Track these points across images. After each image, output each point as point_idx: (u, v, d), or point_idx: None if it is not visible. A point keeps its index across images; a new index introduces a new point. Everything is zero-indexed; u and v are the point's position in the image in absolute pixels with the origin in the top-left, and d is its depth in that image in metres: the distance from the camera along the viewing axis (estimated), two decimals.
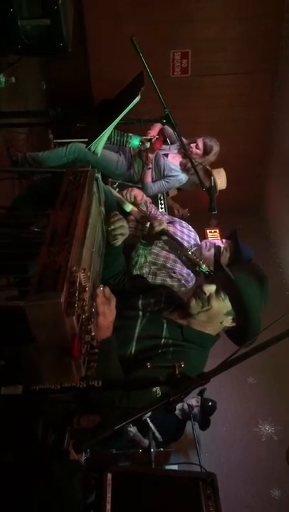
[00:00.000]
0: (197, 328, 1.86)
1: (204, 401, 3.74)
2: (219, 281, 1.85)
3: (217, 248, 2.68)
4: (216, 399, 3.82)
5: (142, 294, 2.03)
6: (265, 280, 1.85)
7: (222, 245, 2.75)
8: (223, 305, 1.81)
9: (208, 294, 1.81)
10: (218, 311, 1.82)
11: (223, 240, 2.85)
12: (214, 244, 2.77)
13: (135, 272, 2.54)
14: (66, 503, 1.38)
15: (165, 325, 1.85)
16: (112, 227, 1.83)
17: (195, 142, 3.55)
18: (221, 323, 1.85)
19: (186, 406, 3.75)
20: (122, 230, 1.86)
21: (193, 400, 3.78)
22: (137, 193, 2.84)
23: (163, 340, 1.79)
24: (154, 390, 1.52)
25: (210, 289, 1.82)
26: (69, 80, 5.04)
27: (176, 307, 1.98)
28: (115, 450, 3.27)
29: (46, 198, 2.19)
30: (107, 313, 1.60)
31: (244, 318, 1.79)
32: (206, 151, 3.54)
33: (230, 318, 1.84)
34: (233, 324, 1.85)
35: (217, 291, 1.81)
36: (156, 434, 3.35)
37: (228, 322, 1.85)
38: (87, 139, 2.31)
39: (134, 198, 2.79)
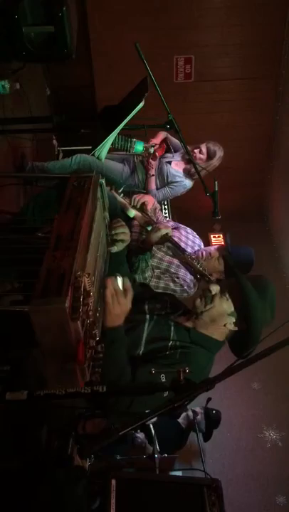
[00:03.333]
0: (203, 332, 1.88)
1: (207, 410, 3.73)
2: (225, 284, 1.91)
3: (223, 254, 2.69)
4: (221, 405, 3.80)
5: (148, 299, 2.05)
6: (271, 290, 1.90)
7: (213, 251, 2.77)
8: (226, 305, 1.84)
9: (213, 292, 1.86)
10: (221, 311, 1.85)
11: (215, 246, 2.87)
12: (210, 252, 2.77)
13: (137, 277, 2.53)
14: (70, 510, 1.37)
15: (172, 327, 1.88)
16: (113, 232, 1.85)
17: (198, 148, 3.57)
18: (224, 325, 1.86)
19: (190, 413, 3.73)
20: (124, 236, 1.87)
21: (197, 408, 3.77)
22: (148, 199, 2.83)
23: (171, 342, 1.82)
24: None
25: (215, 288, 1.87)
26: (73, 86, 5.06)
27: (181, 312, 2.01)
28: (119, 456, 3.25)
29: (54, 205, 2.22)
30: (122, 303, 1.64)
31: (247, 319, 1.80)
32: (210, 156, 3.56)
33: (233, 319, 1.85)
34: (236, 328, 1.86)
35: (222, 291, 1.86)
36: (156, 444, 3.33)
37: (232, 325, 1.85)
38: (91, 147, 2.32)
39: (144, 205, 2.78)
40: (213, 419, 3.69)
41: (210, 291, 1.87)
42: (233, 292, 1.85)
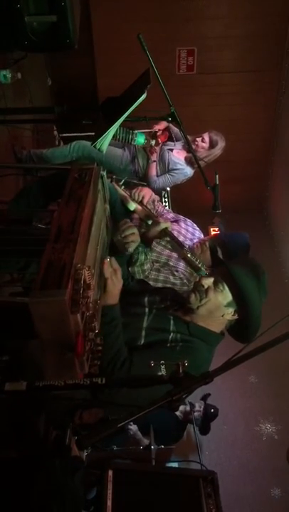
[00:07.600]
0: (201, 325, 1.87)
1: (207, 406, 3.74)
2: (217, 274, 1.87)
3: (211, 245, 2.69)
4: (218, 397, 3.82)
5: (148, 292, 2.04)
6: (260, 271, 1.87)
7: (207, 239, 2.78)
8: (222, 296, 1.82)
9: (206, 286, 1.83)
10: (217, 304, 1.83)
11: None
12: (204, 241, 2.77)
13: (136, 269, 2.53)
14: (67, 500, 1.38)
15: (172, 321, 1.87)
16: (123, 235, 1.86)
17: (201, 136, 3.57)
18: (222, 316, 1.86)
19: (187, 407, 3.75)
20: (134, 237, 1.90)
21: (196, 404, 3.78)
22: (146, 192, 2.84)
23: (171, 334, 1.81)
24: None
25: (208, 281, 1.84)
26: (75, 76, 5.02)
27: (181, 305, 1.98)
28: (116, 447, 3.27)
29: (48, 194, 2.21)
30: (115, 281, 1.69)
31: (244, 307, 1.80)
32: (212, 145, 3.57)
33: (231, 310, 1.84)
34: (235, 317, 1.86)
35: (215, 283, 1.83)
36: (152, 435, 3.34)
37: (230, 315, 1.85)
38: (91, 133, 2.31)
39: (143, 198, 2.79)
40: (210, 417, 3.72)
41: (202, 286, 1.84)
42: (227, 281, 1.83)
